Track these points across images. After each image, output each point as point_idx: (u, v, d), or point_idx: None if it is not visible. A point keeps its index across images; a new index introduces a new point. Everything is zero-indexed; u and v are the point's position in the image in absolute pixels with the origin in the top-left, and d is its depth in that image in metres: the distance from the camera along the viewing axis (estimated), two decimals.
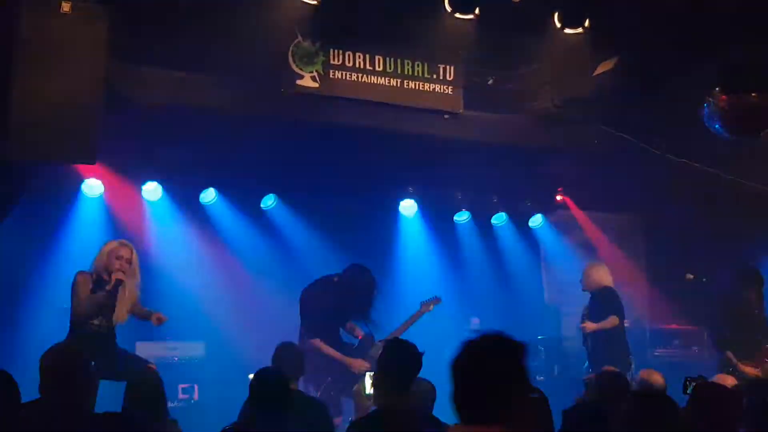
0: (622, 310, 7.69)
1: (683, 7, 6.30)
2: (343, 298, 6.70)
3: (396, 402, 4.22)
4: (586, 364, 7.67)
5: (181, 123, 6.85)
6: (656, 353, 8.62)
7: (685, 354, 8.71)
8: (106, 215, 7.72)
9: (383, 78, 7.06)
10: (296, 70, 6.76)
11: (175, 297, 7.68)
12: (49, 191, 7.16)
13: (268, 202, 8.61)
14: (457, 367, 2.41)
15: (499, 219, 9.59)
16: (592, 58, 7.09)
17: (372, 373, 4.56)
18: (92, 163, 6.08)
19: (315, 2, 6.38)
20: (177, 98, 6.64)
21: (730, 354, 7.19)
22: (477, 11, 6.61)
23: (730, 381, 5.37)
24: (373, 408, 4.42)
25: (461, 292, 9.18)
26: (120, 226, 7.63)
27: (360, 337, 6.93)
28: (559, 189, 9.22)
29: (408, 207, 9.18)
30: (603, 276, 7.81)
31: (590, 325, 7.67)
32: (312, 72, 6.79)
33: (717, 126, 6.71)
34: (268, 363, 5.30)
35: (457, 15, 6.65)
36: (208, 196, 8.29)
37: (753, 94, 6.51)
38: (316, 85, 6.82)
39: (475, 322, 9.14)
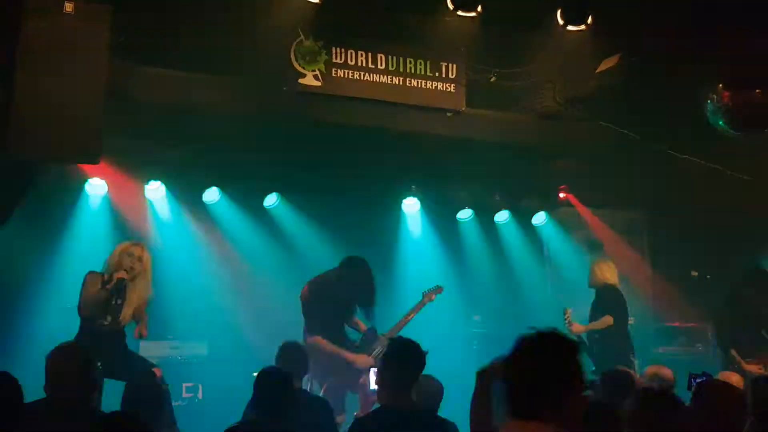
0: (619, 309, 7.64)
1: (686, 3, 6.30)
2: (344, 293, 6.68)
3: (399, 400, 4.23)
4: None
5: (184, 122, 6.86)
6: (660, 351, 8.60)
7: (690, 352, 8.69)
8: (109, 214, 7.73)
9: (385, 76, 7.06)
10: (299, 68, 6.76)
11: (178, 296, 7.70)
12: (52, 191, 7.16)
13: (271, 200, 8.61)
14: (511, 362, 2.47)
15: (503, 217, 9.59)
16: (595, 55, 7.09)
17: (376, 370, 4.56)
18: (95, 162, 6.09)
19: (317, 1, 6.40)
20: (180, 97, 6.65)
21: (734, 352, 7.18)
22: (479, 9, 6.60)
23: (735, 379, 5.36)
24: (377, 406, 4.43)
25: (465, 290, 9.18)
26: (123, 226, 7.65)
27: (363, 332, 6.91)
28: (562, 186, 9.21)
29: (411, 205, 9.18)
30: (606, 273, 7.79)
31: (577, 327, 7.69)
32: (314, 71, 6.79)
33: (720, 122, 6.70)
34: (272, 362, 5.31)
35: (460, 13, 6.66)
36: (212, 194, 8.30)
37: (757, 91, 6.50)
38: (319, 83, 6.82)
39: (476, 319, 9.14)
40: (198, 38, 6.35)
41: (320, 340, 6.50)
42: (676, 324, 8.96)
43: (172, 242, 8.01)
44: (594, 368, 7.21)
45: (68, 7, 5.56)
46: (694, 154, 7.73)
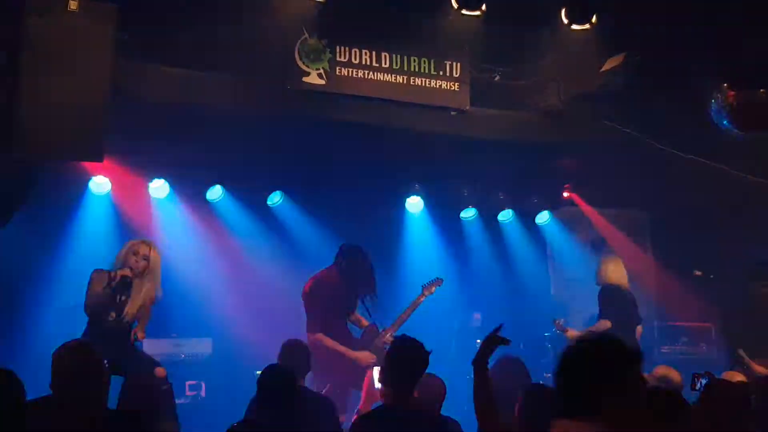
0: (617, 311, 7.57)
1: (691, 2, 6.28)
2: (344, 287, 6.67)
3: (402, 399, 4.23)
4: None
5: (188, 120, 6.85)
6: (663, 350, 8.59)
7: (693, 351, 8.68)
8: (113, 213, 7.73)
9: (389, 75, 7.05)
10: (303, 67, 6.75)
11: (181, 294, 7.70)
12: (56, 189, 7.16)
13: (275, 199, 8.61)
14: (566, 362, 2.55)
15: (506, 216, 9.58)
16: (600, 54, 7.07)
17: (379, 368, 4.56)
18: (99, 160, 6.09)
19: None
20: (184, 95, 6.64)
21: (742, 352, 7.16)
22: (483, 7, 6.59)
23: (739, 379, 5.36)
24: (379, 403, 4.43)
25: (468, 289, 9.18)
26: (127, 224, 7.65)
27: (364, 328, 6.90)
28: (566, 185, 9.19)
29: (414, 204, 9.17)
30: (609, 271, 7.77)
31: (571, 332, 7.70)
32: (318, 69, 6.79)
33: (725, 122, 6.69)
34: (275, 360, 5.31)
35: (464, 11, 6.65)
36: (215, 193, 8.30)
37: (761, 90, 6.48)
38: (323, 82, 6.82)
39: (476, 317, 9.14)
40: (202, 36, 6.35)
41: (323, 338, 6.50)
42: (680, 323, 8.95)
43: (176, 240, 8.00)
44: None
45: (72, 5, 5.56)
46: (698, 153, 7.71)
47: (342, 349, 6.54)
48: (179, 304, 7.74)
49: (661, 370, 5.63)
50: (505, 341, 3.98)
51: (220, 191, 8.30)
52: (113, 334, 5.92)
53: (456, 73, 7.25)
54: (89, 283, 6.01)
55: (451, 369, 5.76)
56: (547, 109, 7.68)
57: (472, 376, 3.88)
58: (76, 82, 5.60)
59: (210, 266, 8.21)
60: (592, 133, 7.84)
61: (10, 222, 6.57)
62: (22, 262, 7.36)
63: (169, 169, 7.83)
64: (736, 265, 7.94)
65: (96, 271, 6.07)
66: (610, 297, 7.70)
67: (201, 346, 7.89)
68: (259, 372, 4.58)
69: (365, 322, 6.90)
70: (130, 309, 6.01)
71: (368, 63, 6.97)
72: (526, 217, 9.62)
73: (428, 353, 4.34)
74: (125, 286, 5.98)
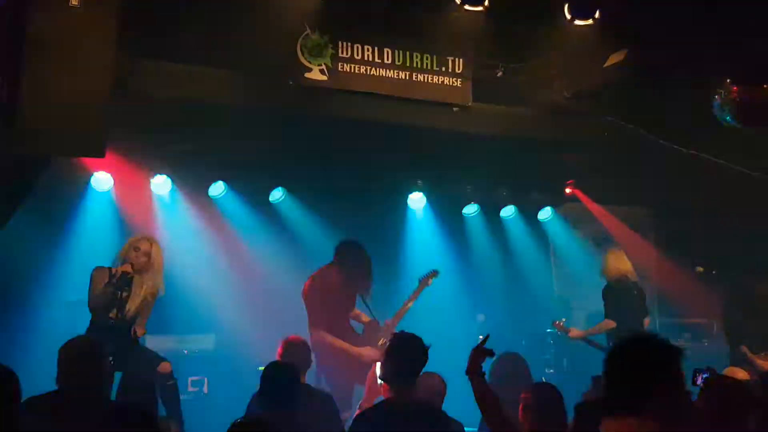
0: (619, 309, 7.58)
1: None
2: (344, 283, 6.66)
3: (402, 395, 4.23)
4: None
5: (190, 116, 6.85)
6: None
7: (695, 347, 8.67)
8: (115, 208, 7.74)
9: (392, 71, 7.04)
10: (305, 62, 6.74)
11: (184, 290, 7.70)
12: (58, 185, 7.16)
13: (277, 195, 8.61)
14: (613, 362, 2.57)
15: (508, 212, 9.57)
16: (602, 49, 7.05)
17: (379, 364, 4.56)
18: (101, 156, 6.09)
19: None
20: (186, 91, 6.64)
21: (744, 348, 7.15)
22: (486, 3, 6.57)
23: (741, 375, 5.35)
24: (380, 399, 4.43)
25: (470, 285, 9.18)
26: (129, 220, 7.65)
27: (365, 323, 6.89)
28: (569, 182, 9.18)
29: (417, 200, 9.17)
30: (611, 263, 7.76)
31: (575, 332, 7.71)
32: (321, 65, 6.78)
33: (728, 118, 6.67)
34: (275, 356, 5.32)
35: (466, 7, 6.63)
36: (217, 189, 8.30)
37: (765, 86, 6.47)
38: (325, 78, 6.80)
39: (480, 318, 9.13)
40: (204, 32, 6.34)
41: (325, 335, 6.50)
42: (682, 319, 8.94)
43: (178, 236, 8.01)
44: None
45: (74, 0, 5.55)
46: (701, 149, 7.69)
47: (345, 345, 6.54)
48: (182, 301, 7.75)
49: None
50: (490, 354, 4.00)
51: (223, 187, 8.30)
52: (115, 330, 5.93)
53: (458, 69, 7.24)
54: (91, 281, 6.03)
55: (453, 366, 5.75)
56: (549, 105, 7.67)
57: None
58: (78, 78, 5.60)
59: (212, 262, 8.22)
60: (595, 129, 7.83)
61: (12, 218, 6.57)
62: (25, 257, 7.37)
63: (172, 165, 7.83)
64: (739, 261, 7.92)
65: (97, 268, 6.09)
66: (613, 295, 7.70)
67: (204, 342, 7.90)
68: (261, 368, 4.58)
69: (366, 318, 6.89)
70: (132, 305, 6.02)
71: (370, 59, 6.95)
72: (529, 214, 9.62)
73: (427, 348, 4.34)
74: (126, 282, 5.99)
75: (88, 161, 7.19)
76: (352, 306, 6.86)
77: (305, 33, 6.73)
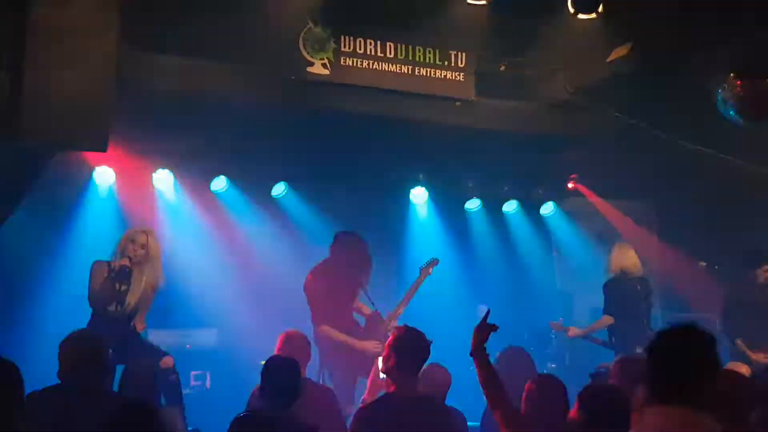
0: (620, 306, 7.56)
1: None
2: (344, 275, 6.64)
3: (405, 388, 4.23)
4: None
5: (192, 110, 6.84)
6: None
7: None
8: (117, 203, 7.74)
9: (394, 65, 7.02)
10: (307, 57, 6.73)
11: (186, 285, 7.71)
12: (60, 179, 7.16)
13: (279, 189, 8.61)
14: (656, 351, 2.63)
15: (511, 207, 9.57)
16: (606, 44, 7.03)
17: (381, 358, 4.56)
18: (103, 150, 6.08)
19: None
20: (188, 85, 6.63)
21: (740, 341, 7.14)
22: None
23: (743, 369, 5.35)
24: (382, 393, 4.43)
25: (472, 280, 9.17)
26: (131, 214, 7.65)
27: (368, 316, 6.88)
28: (572, 176, 9.17)
29: (419, 195, 9.16)
30: (613, 259, 7.75)
31: (574, 331, 7.73)
32: (323, 59, 6.76)
33: (732, 112, 6.66)
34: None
35: (469, 1, 6.62)
36: (219, 183, 8.30)
37: None
38: (327, 72, 6.79)
39: (482, 309, 9.12)
40: (206, 26, 6.33)
41: (328, 330, 6.48)
42: (684, 314, 8.92)
43: (180, 231, 8.02)
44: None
45: None
46: (704, 144, 7.67)
47: (348, 339, 6.52)
48: (185, 295, 7.76)
49: None
50: (494, 327, 4.00)
51: (225, 182, 8.30)
52: (116, 323, 5.93)
53: (461, 63, 7.22)
54: (90, 275, 6.02)
55: (456, 359, 5.75)
56: (552, 99, 7.65)
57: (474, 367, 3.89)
58: (80, 72, 5.59)
59: (214, 257, 8.22)
60: (598, 123, 7.81)
61: (15, 212, 6.57)
62: (28, 251, 7.38)
63: (174, 159, 7.83)
64: (738, 255, 7.91)
65: (96, 262, 6.08)
66: (611, 291, 7.69)
67: (206, 337, 7.91)
68: (263, 362, 4.58)
69: (368, 311, 6.87)
70: (131, 298, 6.01)
71: (373, 53, 6.94)
72: (531, 208, 9.61)
73: (429, 342, 4.34)
74: (125, 275, 5.98)
75: (90, 155, 7.19)
76: (354, 298, 6.84)
77: (307, 27, 6.71)
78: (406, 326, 4.56)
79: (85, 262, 6.32)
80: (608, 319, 7.59)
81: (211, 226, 8.29)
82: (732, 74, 6.62)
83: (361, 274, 6.71)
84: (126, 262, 5.98)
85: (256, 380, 4.60)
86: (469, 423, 5.12)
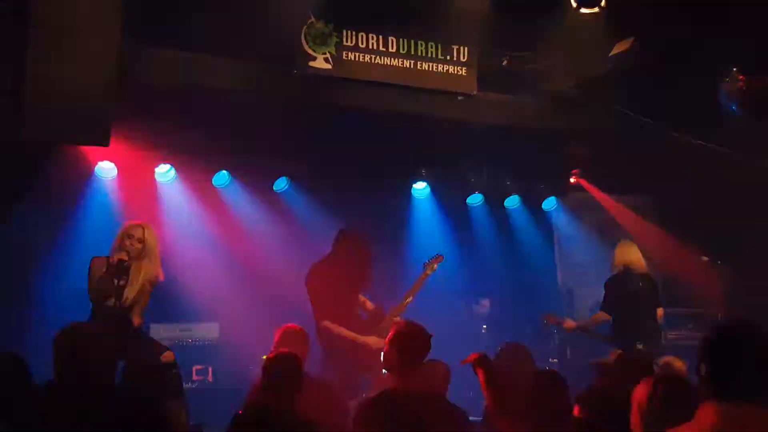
0: (619, 303, 7.57)
1: None
2: (346, 270, 6.64)
3: (406, 383, 4.23)
4: None
5: (194, 105, 6.84)
6: (670, 336, 8.58)
7: (699, 337, 8.65)
8: (119, 197, 7.74)
9: (396, 59, 7.01)
10: (309, 51, 6.72)
11: (188, 279, 7.72)
12: (62, 174, 7.17)
13: (281, 184, 8.61)
14: (723, 346, 2.62)
15: (513, 201, 9.56)
16: (608, 38, 7.01)
17: (382, 353, 4.56)
18: (105, 145, 6.08)
19: None
20: (190, 80, 6.63)
21: None
22: None
23: None
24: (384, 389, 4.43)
25: (474, 275, 9.18)
26: (133, 208, 7.64)
27: (370, 311, 6.88)
28: (574, 171, 9.16)
29: (420, 189, 9.16)
30: (617, 256, 7.74)
31: (569, 323, 7.74)
32: (325, 53, 6.75)
33: (734, 107, 6.64)
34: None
35: None
36: (221, 178, 8.31)
37: None
38: (329, 66, 6.78)
39: (484, 304, 9.13)
40: (208, 20, 6.32)
41: (330, 325, 6.47)
42: (686, 309, 8.93)
43: (182, 225, 8.02)
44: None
45: None
46: (706, 138, 7.66)
47: (351, 334, 6.51)
48: (186, 290, 7.77)
49: (666, 359, 5.63)
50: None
51: (226, 177, 8.30)
52: (116, 319, 5.92)
53: (463, 58, 7.21)
54: (89, 270, 6.01)
55: (458, 354, 5.75)
56: (555, 94, 7.64)
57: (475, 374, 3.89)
58: (83, 67, 5.59)
59: (216, 251, 8.23)
60: (600, 118, 7.80)
61: (17, 206, 6.58)
62: (30, 246, 7.38)
63: (176, 154, 7.83)
64: (743, 252, 7.90)
65: (95, 257, 6.07)
66: (611, 288, 7.70)
67: (208, 331, 7.92)
68: (265, 357, 4.59)
69: (371, 305, 6.87)
70: (130, 293, 6.00)
71: (375, 47, 6.93)
72: (533, 203, 9.61)
73: (430, 336, 4.34)
74: (123, 270, 5.97)
75: (92, 150, 7.18)
76: (356, 294, 6.84)
77: (309, 21, 6.70)
78: (406, 321, 4.56)
79: (87, 257, 6.30)
80: (603, 316, 7.62)
81: (212, 220, 8.30)
82: (734, 69, 6.60)
83: (363, 269, 6.70)
84: (124, 256, 5.97)
85: (258, 374, 4.61)
86: (470, 418, 5.12)
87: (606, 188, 9.30)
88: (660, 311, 7.67)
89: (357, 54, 6.87)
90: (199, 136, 7.46)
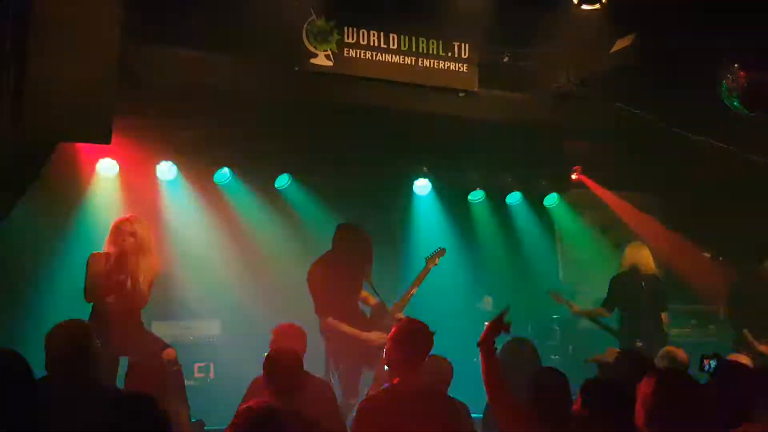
0: (621, 301, 7.64)
1: None
2: (347, 265, 6.64)
3: (408, 380, 4.23)
4: None
5: (195, 102, 6.84)
6: (672, 332, 8.58)
7: (702, 333, 8.67)
8: (121, 195, 7.74)
9: (397, 56, 7.02)
10: (310, 48, 6.72)
11: (190, 276, 7.72)
12: (64, 171, 7.17)
13: (282, 181, 8.61)
14: None
15: (514, 198, 9.56)
16: (610, 34, 7.01)
17: (384, 350, 4.56)
18: (107, 142, 6.06)
19: None
20: (191, 77, 6.63)
21: (747, 332, 7.14)
22: None
23: (744, 361, 5.34)
24: (386, 385, 4.44)
25: (476, 272, 9.18)
26: (135, 206, 7.64)
27: (372, 306, 6.88)
28: (575, 168, 9.16)
29: (422, 186, 9.15)
30: (626, 255, 7.78)
31: (576, 307, 7.87)
32: (326, 50, 6.75)
33: (736, 103, 6.64)
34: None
35: None
36: (223, 175, 8.30)
37: None
38: (331, 63, 6.78)
39: (487, 301, 9.13)
40: (210, 17, 6.32)
41: (332, 321, 6.46)
42: (689, 305, 8.93)
43: (184, 222, 8.03)
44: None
45: None
46: (708, 134, 7.66)
47: (353, 331, 6.50)
48: (187, 287, 7.77)
49: (666, 349, 5.63)
50: (507, 329, 4.00)
51: (228, 174, 8.30)
52: (116, 315, 5.92)
53: (464, 55, 7.21)
54: (87, 267, 5.99)
55: (459, 351, 5.76)
56: (556, 90, 7.64)
57: (479, 357, 3.90)
58: (84, 63, 5.57)
59: (218, 248, 8.23)
60: (601, 114, 7.80)
61: (18, 203, 6.57)
62: (31, 243, 7.38)
63: (177, 151, 7.83)
64: (745, 247, 7.90)
65: (93, 253, 6.06)
66: (613, 285, 7.74)
67: (209, 328, 7.92)
68: (266, 354, 4.59)
69: (373, 300, 6.87)
70: (129, 288, 5.99)
71: (376, 44, 6.93)
72: (535, 200, 9.60)
73: (432, 333, 4.34)
74: (121, 266, 5.97)
75: (94, 147, 7.18)
76: (358, 289, 6.83)
77: (310, 18, 6.70)
78: (409, 318, 4.57)
79: (88, 253, 6.32)
80: (602, 311, 7.65)
81: (214, 217, 8.30)
82: (736, 65, 6.59)
83: (364, 265, 6.70)
84: (118, 251, 5.96)
85: (260, 371, 4.61)
86: (472, 415, 5.12)
87: (608, 184, 9.30)
88: (664, 316, 7.66)
89: (358, 51, 6.87)
90: (201, 133, 7.46)
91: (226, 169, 8.27)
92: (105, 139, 5.97)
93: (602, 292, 7.88)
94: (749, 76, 6.56)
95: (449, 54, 7.16)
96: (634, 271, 7.65)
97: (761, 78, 6.55)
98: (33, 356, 3.71)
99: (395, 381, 4.29)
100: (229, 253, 8.26)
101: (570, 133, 8.29)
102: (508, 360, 4.99)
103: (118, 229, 6.05)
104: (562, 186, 9.51)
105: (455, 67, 7.18)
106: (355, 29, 6.85)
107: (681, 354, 5.39)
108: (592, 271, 8.42)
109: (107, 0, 5.66)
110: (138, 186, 7.81)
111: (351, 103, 7.11)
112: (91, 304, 5.97)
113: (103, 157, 7.54)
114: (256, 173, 8.38)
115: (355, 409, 4.53)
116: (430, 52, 7.11)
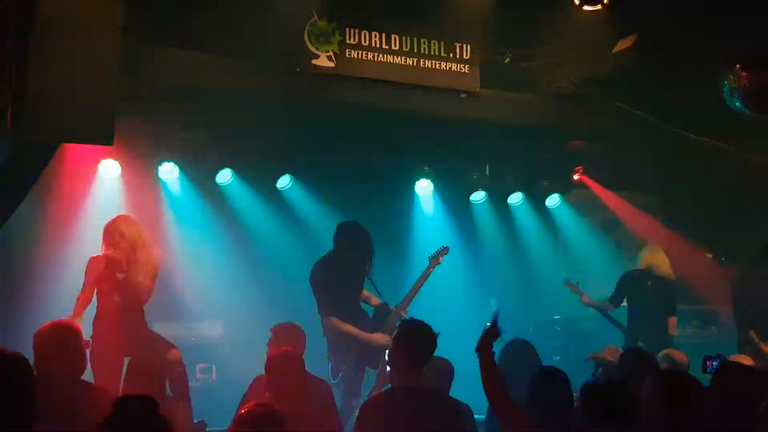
0: (629, 298, 7.69)
1: None
2: (348, 265, 6.64)
3: (411, 381, 4.24)
4: None
5: (197, 103, 6.84)
6: (675, 333, 8.58)
7: (704, 334, 8.66)
8: (123, 196, 7.74)
9: (399, 57, 7.02)
10: (312, 49, 6.72)
11: (192, 277, 7.72)
12: (66, 173, 7.17)
13: (284, 182, 8.61)
14: None
15: (516, 198, 9.56)
16: (611, 35, 7.01)
17: (387, 351, 4.57)
18: (109, 143, 6.07)
19: None
20: (193, 79, 6.63)
21: (752, 333, 7.14)
22: None
23: (746, 361, 5.34)
24: (388, 386, 4.44)
25: (478, 272, 9.17)
26: (136, 207, 7.64)
27: (375, 306, 6.88)
28: (577, 168, 9.16)
29: (424, 186, 9.16)
30: (643, 256, 7.84)
31: (587, 298, 7.97)
32: (328, 51, 6.76)
33: (737, 103, 6.63)
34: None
35: None
36: (225, 176, 8.31)
37: None
38: (332, 64, 6.78)
39: (493, 304, 9.12)
40: (211, 19, 6.32)
41: (335, 322, 6.46)
42: (691, 306, 8.92)
43: (185, 224, 8.03)
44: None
45: None
46: (710, 135, 7.66)
47: (355, 331, 6.50)
48: (189, 288, 7.77)
49: (666, 351, 5.63)
50: (499, 334, 4.02)
51: (230, 175, 8.30)
52: (118, 315, 5.92)
53: (466, 55, 7.21)
54: (87, 271, 6.01)
55: (461, 352, 5.75)
56: (557, 91, 7.64)
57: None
58: (86, 65, 5.57)
59: (220, 250, 8.23)
60: (603, 115, 7.80)
61: (19, 205, 6.58)
62: (32, 245, 7.38)
63: (179, 152, 7.83)
64: (748, 248, 7.89)
65: (92, 257, 6.08)
66: (620, 281, 7.73)
67: (212, 329, 7.92)
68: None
69: (376, 300, 6.87)
70: (130, 287, 6.00)
71: (378, 45, 6.93)
72: (537, 200, 9.60)
73: (436, 335, 4.34)
74: (120, 265, 5.98)
75: (96, 149, 7.19)
76: (360, 289, 6.83)
77: (312, 19, 6.70)
78: (412, 319, 4.57)
79: (90, 254, 6.32)
80: (609, 305, 7.70)
81: (216, 218, 8.30)
82: (738, 65, 6.59)
83: (364, 262, 6.70)
84: (115, 252, 5.97)
85: (262, 372, 4.62)
86: (475, 416, 5.12)
87: (610, 185, 9.30)
88: (672, 320, 7.66)
89: (360, 52, 6.87)
90: (203, 134, 7.47)
91: (228, 170, 8.28)
92: (107, 140, 5.97)
93: (603, 293, 7.88)
94: (751, 77, 6.55)
95: (451, 55, 7.17)
96: (647, 271, 7.67)
97: (763, 79, 6.54)
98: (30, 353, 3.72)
99: (398, 382, 4.29)
100: (231, 254, 8.26)
101: (572, 134, 8.29)
102: (509, 361, 5.00)
103: (108, 233, 6.09)
104: (564, 186, 9.51)
105: (457, 67, 7.19)
106: (356, 30, 6.85)
107: (681, 355, 5.39)
108: (594, 272, 8.40)
109: (109, 1, 5.67)
110: (140, 187, 7.81)
111: (353, 104, 7.12)
112: (96, 305, 5.99)
113: (105, 158, 7.54)
114: (258, 174, 8.39)
115: (357, 409, 4.54)
116: (432, 53, 7.11)
